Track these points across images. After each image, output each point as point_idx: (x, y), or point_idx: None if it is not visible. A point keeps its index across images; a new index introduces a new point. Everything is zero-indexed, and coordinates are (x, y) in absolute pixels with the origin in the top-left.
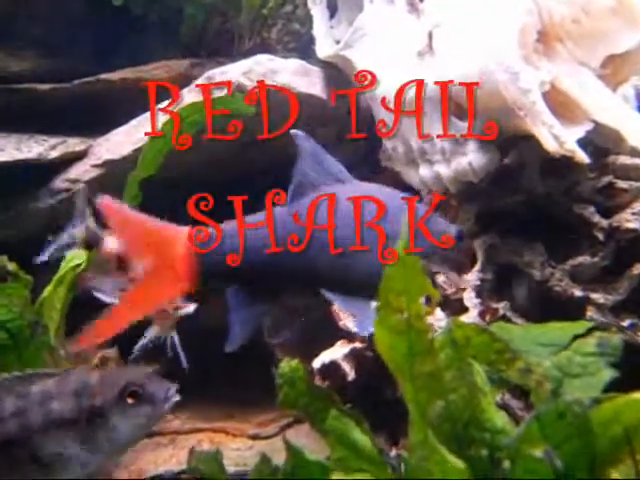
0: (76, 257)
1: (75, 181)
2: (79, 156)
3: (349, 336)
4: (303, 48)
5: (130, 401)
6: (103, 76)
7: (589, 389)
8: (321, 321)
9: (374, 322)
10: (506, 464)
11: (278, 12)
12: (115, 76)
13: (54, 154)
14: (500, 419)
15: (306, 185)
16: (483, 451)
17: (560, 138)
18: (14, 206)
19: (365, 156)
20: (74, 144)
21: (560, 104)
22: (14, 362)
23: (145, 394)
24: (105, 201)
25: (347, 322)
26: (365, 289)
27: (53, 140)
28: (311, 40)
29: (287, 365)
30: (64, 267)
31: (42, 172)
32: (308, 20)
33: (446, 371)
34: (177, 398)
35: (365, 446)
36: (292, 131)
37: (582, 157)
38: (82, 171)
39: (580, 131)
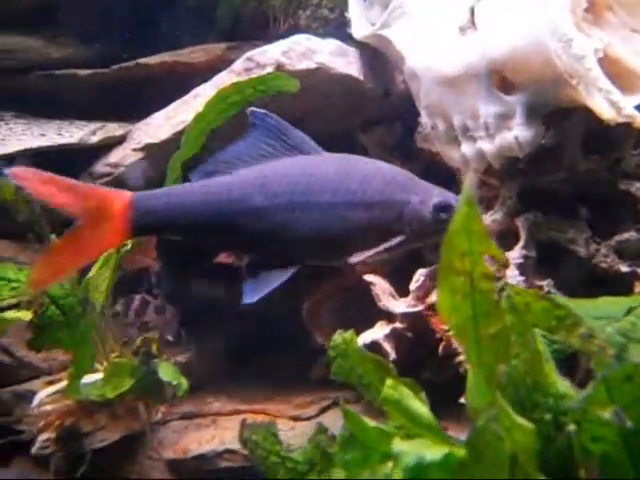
0: None
1: (116, 165)
2: (119, 140)
3: (389, 317)
4: (331, 34)
5: None
6: (141, 61)
7: None
8: (358, 302)
9: (439, 285)
10: (571, 428)
11: None
12: (153, 60)
13: (95, 139)
14: (563, 384)
15: (244, 160)
16: (547, 415)
17: (618, 104)
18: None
19: (400, 138)
20: (113, 129)
21: (613, 73)
22: (66, 339)
23: None
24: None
25: (387, 303)
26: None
27: (93, 125)
28: (338, 26)
29: (340, 337)
30: None
31: (83, 157)
32: (337, 6)
33: (511, 334)
34: None
35: (423, 414)
36: (249, 109)
37: None
38: (122, 155)
39: (636, 99)
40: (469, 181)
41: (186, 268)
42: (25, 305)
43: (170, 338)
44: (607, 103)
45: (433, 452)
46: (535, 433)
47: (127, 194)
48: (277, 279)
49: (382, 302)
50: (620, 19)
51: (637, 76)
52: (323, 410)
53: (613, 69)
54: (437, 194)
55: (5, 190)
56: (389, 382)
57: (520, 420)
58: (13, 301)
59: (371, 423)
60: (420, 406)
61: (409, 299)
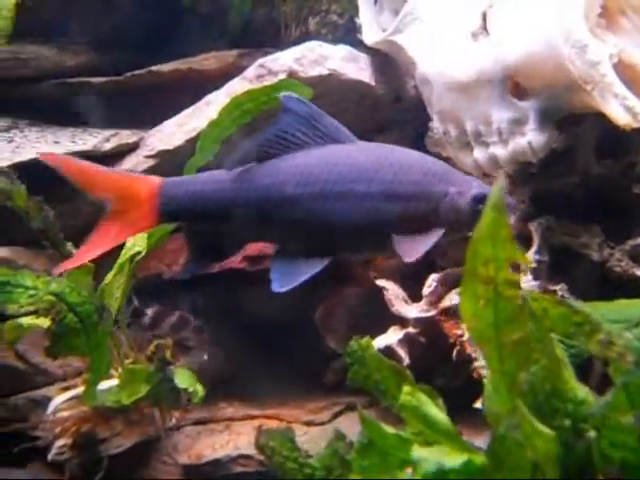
0: (136, 245)
1: (130, 172)
2: (132, 147)
3: (402, 322)
4: (340, 39)
5: None
6: (154, 68)
7: None
8: (371, 307)
9: (462, 291)
10: (591, 434)
11: (319, 3)
12: (165, 68)
13: (108, 146)
14: (582, 390)
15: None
16: (566, 422)
17: (634, 109)
18: (71, 197)
19: (412, 143)
20: (127, 136)
21: (627, 79)
22: (82, 346)
23: None
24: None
25: (400, 308)
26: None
27: (106, 132)
28: (347, 32)
29: (356, 343)
30: (123, 255)
31: (97, 164)
32: (348, 11)
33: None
34: None
35: (440, 421)
36: (281, 94)
37: None
38: (136, 162)
39: None
40: (499, 186)
41: (213, 256)
42: (42, 312)
43: (205, 357)
44: (623, 108)
45: (453, 459)
46: (555, 440)
47: (156, 180)
48: (308, 270)
49: (395, 307)
50: (634, 24)
51: None
52: (336, 415)
53: (628, 74)
54: (476, 186)
55: (17, 196)
56: (406, 389)
57: (541, 427)
58: (31, 308)
59: (390, 429)
60: (438, 412)
61: (422, 304)
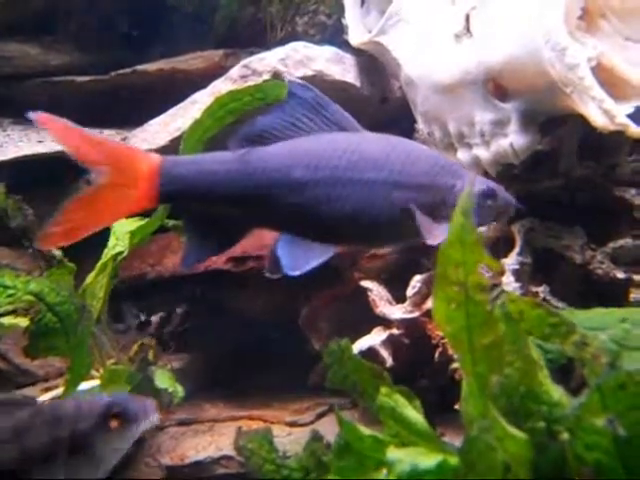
0: (118, 245)
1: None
2: None
3: (386, 323)
4: (328, 40)
5: (114, 424)
6: (139, 67)
7: None
8: (356, 308)
9: (435, 294)
10: (564, 436)
11: (306, 3)
12: (151, 67)
13: None
14: (556, 392)
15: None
16: (540, 424)
17: (610, 112)
18: (54, 197)
19: None
20: (110, 135)
21: (607, 81)
22: (62, 346)
23: (128, 415)
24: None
25: (384, 309)
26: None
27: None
28: (336, 32)
29: (336, 344)
30: (105, 255)
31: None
32: (335, 12)
33: (504, 344)
34: (157, 417)
35: (417, 422)
36: (288, 79)
37: (635, 130)
38: None
39: (629, 107)
40: (467, 192)
41: (214, 245)
42: (22, 312)
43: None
44: (600, 111)
45: (427, 460)
46: (528, 443)
47: (156, 157)
48: (321, 254)
49: (379, 308)
50: (614, 27)
51: (629, 84)
52: (320, 416)
53: (607, 77)
54: (482, 181)
55: None
56: (384, 390)
57: (513, 430)
58: (10, 307)
59: (366, 431)
60: (415, 414)
61: (406, 305)
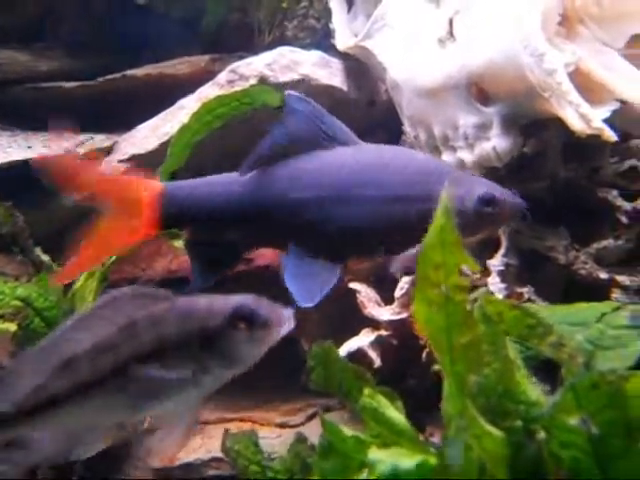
0: None
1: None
2: (106, 152)
3: (374, 324)
4: (318, 44)
5: (241, 326)
6: (128, 73)
7: (622, 360)
8: (345, 309)
9: (415, 296)
10: (540, 435)
11: (295, 7)
12: (139, 72)
13: (81, 150)
14: (534, 392)
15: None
16: (517, 423)
17: (587, 117)
18: (44, 202)
19: None
20: (100, 140)
21: (584, 86)
22: None
23: (257, 319)
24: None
25: (372, 310)
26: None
27: (80, 137)
28: (326, 36)
29: (319, 346)
30: None
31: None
32: (323, 16)
33: (482, 344)
34: (292, 323)
35: (399, 423)
36: (286, 92)
37: (610, 134)
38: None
39: (606, 111)
40: (447, 192)
41: (217, 264)
42: (9, 317)
43: None
44: (577, 115)
45: (408, 460)
46: (504, 441)
47: (157, 184)
48: (329, 280)
49: (367, 309)
50: (591, 32)
51: (606, 89)
52: (310, 418)
53: (584, 82)
54: (482, 186)
55: None
56: (367, 391)
57: (490, 429)
58: None
59: (349, 432)
60: (397, 415)
61: (394, 306)
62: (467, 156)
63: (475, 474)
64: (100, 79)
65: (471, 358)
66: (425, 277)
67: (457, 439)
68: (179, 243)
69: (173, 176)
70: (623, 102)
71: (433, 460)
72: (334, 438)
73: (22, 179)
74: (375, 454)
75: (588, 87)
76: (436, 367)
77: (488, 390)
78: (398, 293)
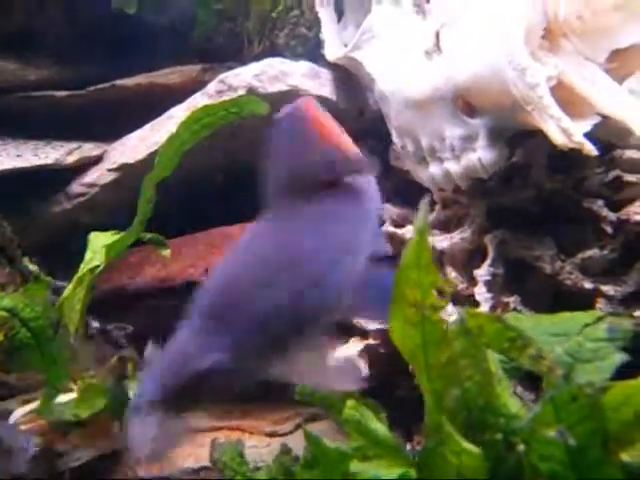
0: (94, 259)
1: (91, 185)
2: (95, 161)
3: (362, 333)
4: (310, 53)
5: None
6: (117, 82)
7: (600, 373)
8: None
9: (392, 314)
10: (520, 448)
11: (286, 17)
12: (129, 82)
13: (70, 159)
14: (514, 405)
15: None
16: (497, 435)
17: (568, 131)
18: (33, 211)
19: (376, 157)
20: (89, 149)
21: (566, 100)
22: (37, 361)
23: None
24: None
25: (360, 319)
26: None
27: (69, 146)
28: (317, 45)
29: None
30: (82, 269)
31: (59, 177)
32: (315, 25)
33: (460, 359)
34: None
35: (383, 435)
36: (275, 115)
37: (590, 149)
38: (98, 175)
39: (587, 125)
40: (422, 211)
41: None
42: None
43: None
44: (559, 129)
45: (389, 472)
46: (482, 456)
47: None
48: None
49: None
50: (574, 46)
51: (587, 103)
52: (298, 426)
53: (566, 95)
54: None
55: None
56: (350, 403)
57: (466, 445)
58: None
59: (332, 445)
60: (380, 426)
61: None
62: (454, 167)
63: None
64: (90, 88)
65: (449, 375)
66: (401, 296)
67: (435, 452)
68: (167, 252)
69: (160, 185)
70: (604, 116)
71: (414, 473)
72: (317, 450)
73: (11, 188)
74: (357, 466)
75: (570, 100)
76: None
77: (469, 403)
78: None
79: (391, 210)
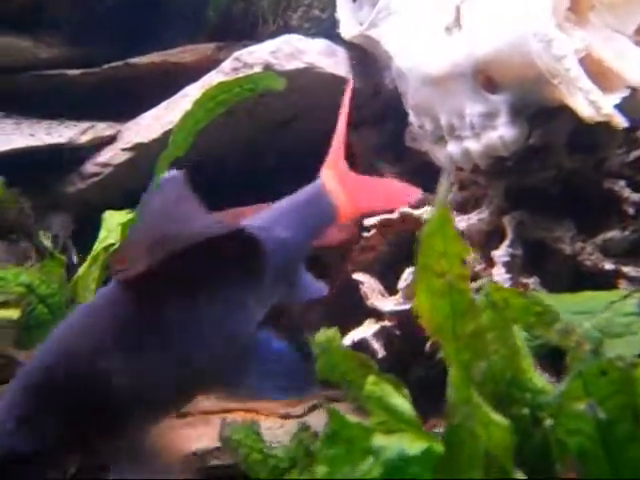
0: (109, 237)
1: (105, 165)
2: (108, 140)
3: (377, 315)
4: (323, 34)
5: None
6: (131, 61)
7: (630, 347)
8: (349, 300)
9: (417, 286)
10: (547, 423)
11: None
12: (143, 60)
13: (84, 139)
14: (540, 380)
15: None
16: (524, 410)
17: (597, 103)
18: (47, 190)
19: (390, 138)
20: (103, 129)
21: (594, 73)
22: None
23: None
24: None
25: (375, 301)
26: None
27: (83, 125)
28: (331, 26)
29: (323, 334)
30: (96, 247)
31: (73, 157)
32: (328, 7)
33: (487, 332)
34: None
35: (405, 410)
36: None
37: (619, 121)
38: (111, 155)
39: (616, 98)
40: (444, 183)
41: None
42: (12, 303)
43: None
44: (587, 102)
45: (413, 447)
46: (511, 429)
47: None
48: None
49: (370, 300)
50: (602, 19)
51: (616, 75)
52: (312, 409)
53: (595, 69)
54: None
55: None
56: (371, 379)
57: (496, 417)
58: (1, 298)
59: (353, 420)
60: (402, 402)
61: (397, 297)
62: (474, 145)
63: (481, 462)
64: (104, 66)
65: (476, 346)
66: (427, 267)
67: (463, 427)
68: None
69: (172, 166)
70: (634, 89)
71: (439, 448)
72: (338, 425)
73: (27, 167)
74: (380, 440)
75: (598, 74)
76: (440, 355)
77: (496, 377)
78: (401, 284)
79: None
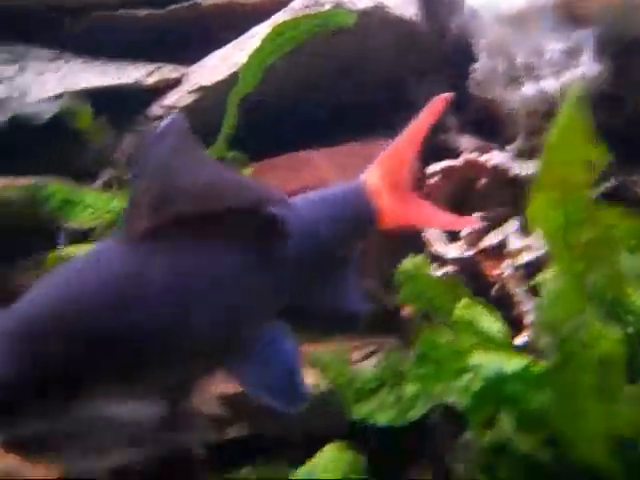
0: None
1: (171, 107)
2: (174, 83)
3: (440, 261)
4: None
5: None
6: (195, 1)
7: None
8: (410, 246)
9: (534, 194)
10: None
11: None
12: (207, 1)
13: (150, 80)
14: None
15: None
16: (630, 329)
17: None
18: (116, 129)
19: (451, 87)
20: (169, 71)
21: None
22: None
23: None
24: None
25: (438, 248)
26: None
27: (149, 66)
28: None
29: (410, 262)
30: None
31: (137, 99)
32: None
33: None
34: None
35: (495, 332)
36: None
37: None
38: (177, 97)
39: None
40: (577, 86)
41: None
42: (101, 230)
43: None
44: None
45: (512, 364)
46: (623, 341)
47: None
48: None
49: (433, 247)
50: None
51: None
52: (368, 355)
53: None
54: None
55: (83, 116)
56: (463, 302)
57: (608, 329)
58: (92, 224)
59: (443, 341)
60: (492, 324)
61: (461, 244)
62: (552, 84)
63: (593, 373)
64: (170, 7)
65: (590, 257)
66: (547, 173)
67: (574, 338)
68: (248, 171)
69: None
70: None
71: (537, 366)
72: (428, 347)
73: (100, 106)
74: (477, 359)
75: None
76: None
77: (603, 293)
78: (464, 231)
79: (468, 141)
